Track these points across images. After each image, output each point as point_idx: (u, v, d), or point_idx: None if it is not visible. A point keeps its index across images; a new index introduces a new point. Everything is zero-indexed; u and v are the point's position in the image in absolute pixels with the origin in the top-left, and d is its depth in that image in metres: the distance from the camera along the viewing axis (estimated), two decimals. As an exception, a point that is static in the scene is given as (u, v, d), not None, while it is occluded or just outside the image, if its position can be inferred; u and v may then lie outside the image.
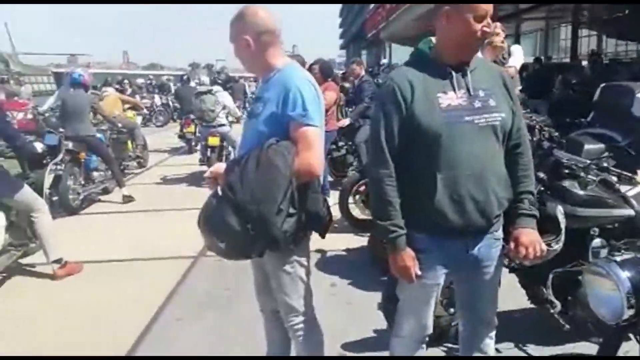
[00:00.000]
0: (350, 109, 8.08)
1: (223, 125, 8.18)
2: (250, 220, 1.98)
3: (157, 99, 18.84)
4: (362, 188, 5.35)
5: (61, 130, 6.73)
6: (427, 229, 2.01)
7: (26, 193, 4.33)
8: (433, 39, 2.07)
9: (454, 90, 1.97)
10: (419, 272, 2.01)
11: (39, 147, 4.81)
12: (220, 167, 2.25)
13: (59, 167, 6.40)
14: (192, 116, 9.99)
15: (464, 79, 2.00)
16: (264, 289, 2.43)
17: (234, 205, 2.00)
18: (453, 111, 1.95)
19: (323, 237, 2.31)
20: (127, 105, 10.25)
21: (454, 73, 1.99)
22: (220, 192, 2.06)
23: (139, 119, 10.91)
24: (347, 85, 10.21)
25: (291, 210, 2.04)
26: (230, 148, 8.62)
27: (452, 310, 2.94)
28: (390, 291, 2.59)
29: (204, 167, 8.40)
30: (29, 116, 9.41)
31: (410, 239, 2.00)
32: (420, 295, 2.14)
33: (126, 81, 12.81)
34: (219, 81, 8.94)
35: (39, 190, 4.77)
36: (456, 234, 2.01)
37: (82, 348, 3.31)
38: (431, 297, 2.14)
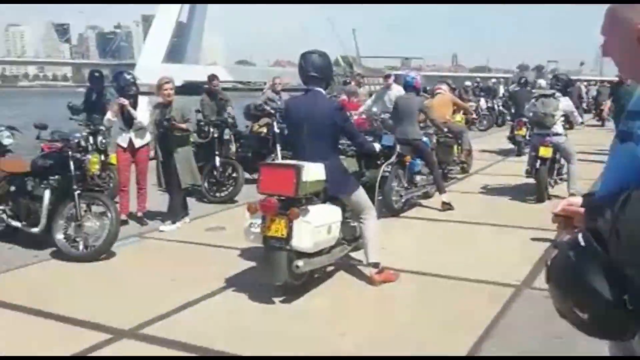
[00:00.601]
0: None
1: (559, 134, 7.30)
2: (630, 290, 1.39)
3: (483, 103, 18.45)
4: None
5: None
6: None
7: (361, 195, 4.48)
8: None
9: None
10: None
11: (377, 147, 4.97)
12: (574, 203, 1.66)
13: (386, 168, 6.58)
14: (524, 119, 9.46)
15: None
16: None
17: (605, 265, 1.42)
18: None
19: None
20: (454, 108, 10.15)
21: None
22: (582, 242, 1.51)
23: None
24: None
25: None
26: (562, 161, 7.70)
27: None
28: None
29: (531, 180, 7.67)
30: (363, 116, 10.15)
31: None
32: None
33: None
34: (557, 86, 7.95)
35: (372, 189, 4.89)
36: None
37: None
38: None
